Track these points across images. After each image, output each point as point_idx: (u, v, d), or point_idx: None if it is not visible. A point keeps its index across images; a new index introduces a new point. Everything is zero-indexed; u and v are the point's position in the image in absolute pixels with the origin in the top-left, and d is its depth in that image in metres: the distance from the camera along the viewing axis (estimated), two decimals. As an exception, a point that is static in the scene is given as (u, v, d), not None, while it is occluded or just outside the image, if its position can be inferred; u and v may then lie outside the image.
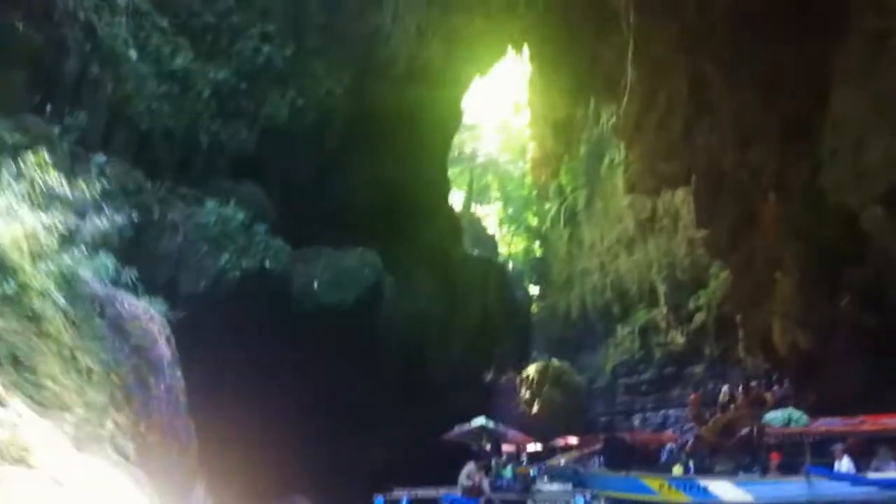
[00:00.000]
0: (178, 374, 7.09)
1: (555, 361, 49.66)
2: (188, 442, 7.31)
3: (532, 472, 24.30)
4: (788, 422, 19.54)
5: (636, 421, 53.92)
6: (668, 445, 38.03)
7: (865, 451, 22.92)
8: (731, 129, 32.59)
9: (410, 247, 27.57)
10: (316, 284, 18.73)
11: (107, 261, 8.23)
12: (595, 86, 38.75)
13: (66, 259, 5.81)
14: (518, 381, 43.78)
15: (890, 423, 19.46)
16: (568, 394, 43.41)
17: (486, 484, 18.24)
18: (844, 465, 19.43)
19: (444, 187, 33.21)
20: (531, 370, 44.99)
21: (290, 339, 18.36)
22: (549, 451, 36.89)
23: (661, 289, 53.73)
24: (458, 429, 19.69)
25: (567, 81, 36.67)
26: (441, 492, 19.50)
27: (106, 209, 13.41)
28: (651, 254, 55.58)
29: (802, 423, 19.39)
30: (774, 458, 20.59)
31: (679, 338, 51.48)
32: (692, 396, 44.64)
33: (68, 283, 5.58)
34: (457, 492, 18.90)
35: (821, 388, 33.38)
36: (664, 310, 53.32)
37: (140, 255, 14.70)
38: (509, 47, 36.03)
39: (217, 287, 16.01)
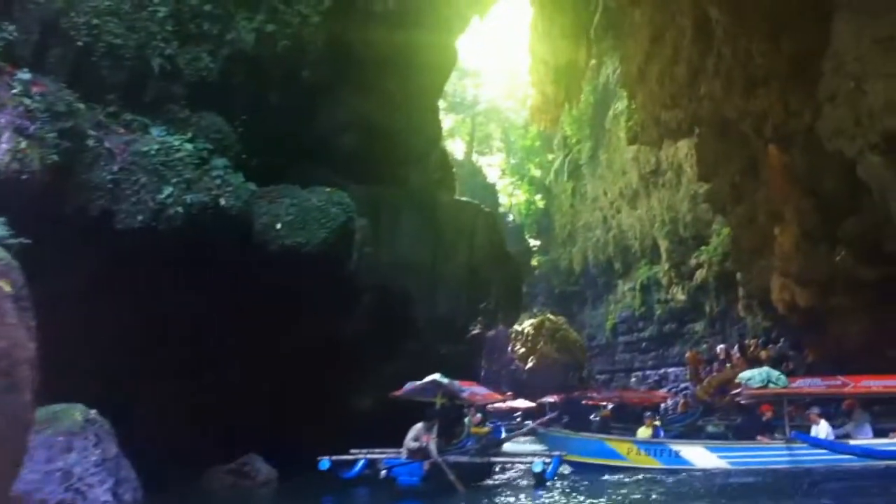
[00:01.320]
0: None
1: (551, 316, 48.75)
2: (10, 393, 6.11)
3: (499, 431, 23.12)
4: (767, 382, 18.15)
5: (633, 379, 53.39)
6: (663, 405, 37.41)
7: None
8: (735, 75, 31.23)
9: (396, 192, 26.40)
10: (279, 224, 17.45)
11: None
12: (598, 29, 37.53)
13: None
14: (512, 335, 42.94)
15: (875, 386, 18.31)
16: (564, 350, 42.36)
17: (432, 445, 16.63)
18: (822, 429, 18.28)
19: (435, 132, 31.83)
20: (526, 325, 44.10)
21: (252, 283, 17.22)
22: (541, 409, 36.20)
23: (664, 244, 52.76)
24: (410, 385, 17.68)
25: (569, 24, 35.35)
26: (388, 455, 17.96)
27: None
28: (654, 209, 54.61)
29: (782, 383, 18.04)
30: (766, 410, 19.50)
31: (680, 295, 50.61)
32: (689, 354, 43.95)
33: None
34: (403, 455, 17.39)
35: (820, 347, 32.57)
36: (666, 266, 52.36)
37: (71, 183, 13.58)
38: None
39: (158, 223, 14.73)
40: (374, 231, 25.12)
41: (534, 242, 66.19)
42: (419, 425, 16.82)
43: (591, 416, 32.51)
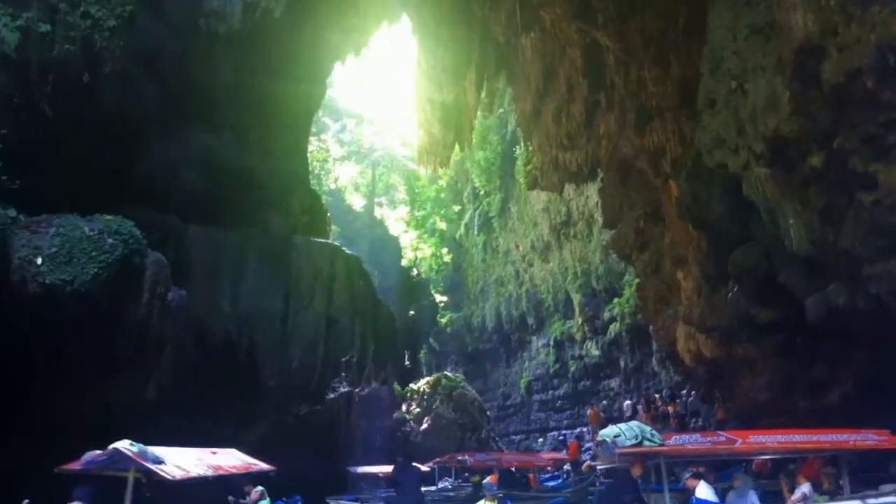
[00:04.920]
0: None
1: (448, 374, 45.71)
2: None
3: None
4: (641, 440, 14.77)
5: (541, 439, 50.66)
6: (566, 466, 34.32)
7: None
8: (628, 107, 29.18)
9: (242, 234, 23.52)
10: (40, 259, 14.21)
11: None
12: (490, 66, 35.20)
13: None
14: (407, 394, 39.81)
15: (770, 443, 15.31)
16: (461, 409, 39.22)
17: None
18: (703, 492, 15.10)
19: (299, 174, 29.10)
20: (422, 383, 41.05)
21: (6, 332, 13.91)
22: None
23: (576, 298, 50.42)
24: (89, 456, 12.65)
25: (451, 59, 32.78)
26: None
27: None
28: (566, 261, 52.31)
29: (658, 440, 14.72)
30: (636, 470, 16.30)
31: (594, 350, 48.21)
32: (590, 412, 41.39)
33: None
34: None
35: (729, 401, 30.09)
36: (579, 320, 49.83)
37: None
38: (384, 18, 31.91)
39: None
40: (215, 277, 22.32)
41: (441, 298, 63.06)
42: None
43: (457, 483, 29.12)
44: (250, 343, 22.58)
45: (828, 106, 13.53)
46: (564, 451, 37.04)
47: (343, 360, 24.74)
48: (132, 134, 19.98)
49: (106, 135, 18.40)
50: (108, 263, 14.74)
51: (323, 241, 26.52)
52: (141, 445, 12.24)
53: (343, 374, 25.28)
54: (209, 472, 13.33)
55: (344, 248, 26.79)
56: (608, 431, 14.80)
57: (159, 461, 12.16)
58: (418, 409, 39.17)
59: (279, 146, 26.86)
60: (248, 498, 16.80)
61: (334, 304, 24.57)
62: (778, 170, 15.32)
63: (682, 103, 25.18)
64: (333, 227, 43.80)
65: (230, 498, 16.84)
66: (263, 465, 15.87)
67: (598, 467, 18.56)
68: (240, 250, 23.11)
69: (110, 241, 14.96)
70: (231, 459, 14.81)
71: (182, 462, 12.88)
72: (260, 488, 16.78)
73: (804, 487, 15.46)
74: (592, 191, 43.93)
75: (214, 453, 14.40)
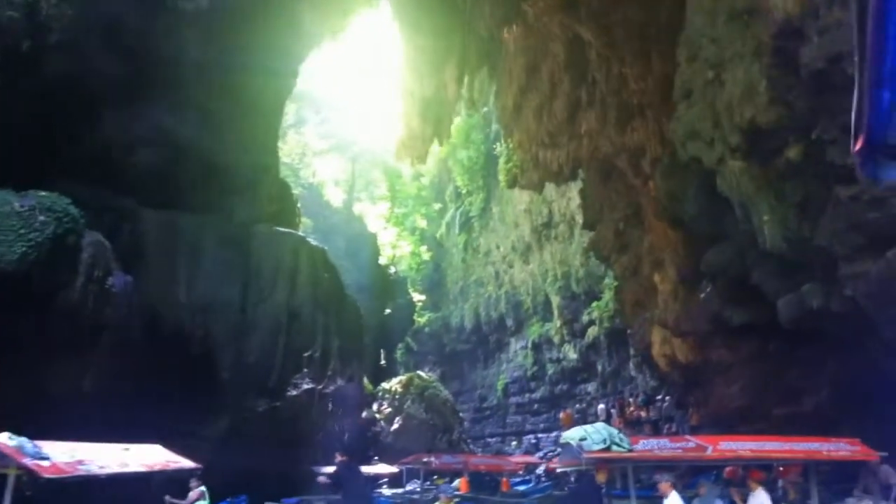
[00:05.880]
0: None
1: (421, 374, 44.86)
2: None
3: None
4: (610, 444, 13.81)
5: (514, 442, 49.90)
6: (538, 470, 33.69)
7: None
8: (609, 104, 28.42)
9: (200, 220, 22.54)
10: (-36, 237, 13.29)
11: None
12: (472, 60, 34.34)
13: None
14: (379, 393, 38.94)
15: (742, 450, 14.43)
16: (433, 410, 38.38)
17: None
18: (673, 502, 14.17)
19: (268, 162, 28.03)
20: (394, 382, 40.19)
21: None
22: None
23: (556, 301, 49.62)
24: None
25: (433, 48, 31.92)
26: None
27: None
28: (546, 263, 51.59)
29: (626, 445, 13.77)
30: (601, 476, 15.46)
31: (572, 353, 47.41)
32: (562, 415, 40.79)
33: None
34: None
35: (704, 407, 29.40)
36: (558, 323, 49.08)
37: None
38: (363, 2, 30.97)
39: None
40: (169, 263, 21.40)
41: (419, 297, 62.05)
42: None
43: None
44: (205, 333, 21.66)
45: (806, 94, 12.75)
46: (537, 455, 36.44)
47: (305, 354, 23.82)
48: (83, 108, 19.15)
49: (51, 107, 17.57)
50: (38, 242, 13.81)
51: (286, 230, 25.54)
52: (21, 439, 11.20)
53: (305, 369, 24.33)
54: (105, 471, 12.27)
55: (309, 239, 25.86)
56: (573, 434, 13.96)
57: (41, 457, 11.12)
58: (389, 409, 38.35)
59: (247, 131, 25.88)
60: (189, 496, 15.88)
61: (297, 295, 23.65)
62: (753, 162, 14.54)
63: (663, 101, 24.46)
64: (308, 221, 42.93)
65: (166, 497, 15.92)
66: (186, 463, 15.03)
67: (559, 470, 17.73)
68: (197, 236, 22.18)
69: (42, 218, 14.03)
70: (146, 457, 13.90)
71: (71, 458, 11.76)
72: (201, 488, 15.82)
73: (760, 495, 14.55)
74: (574, 192, 43.23)
75: (127, 449, 13.46)
